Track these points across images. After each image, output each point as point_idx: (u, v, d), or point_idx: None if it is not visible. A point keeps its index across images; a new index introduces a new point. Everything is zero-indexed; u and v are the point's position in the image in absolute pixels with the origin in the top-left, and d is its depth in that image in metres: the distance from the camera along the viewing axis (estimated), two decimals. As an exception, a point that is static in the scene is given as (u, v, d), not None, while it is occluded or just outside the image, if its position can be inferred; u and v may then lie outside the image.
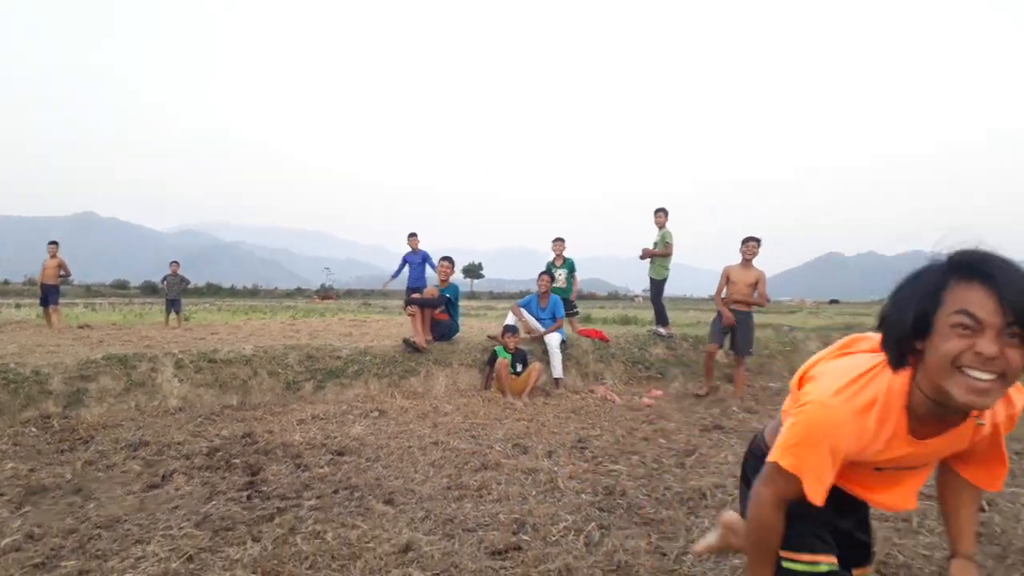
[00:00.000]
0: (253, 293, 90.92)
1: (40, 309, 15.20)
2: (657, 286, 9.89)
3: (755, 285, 8.03)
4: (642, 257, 9.88)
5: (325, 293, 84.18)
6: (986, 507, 3.89)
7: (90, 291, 70.65)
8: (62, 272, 14.87)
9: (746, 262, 8.11)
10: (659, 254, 9.68)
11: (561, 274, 10.24)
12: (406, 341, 8.37)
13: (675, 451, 5.35)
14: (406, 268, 11.77)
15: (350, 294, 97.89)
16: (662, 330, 9.95)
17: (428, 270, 11.47)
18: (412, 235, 12.04)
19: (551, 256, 10.52)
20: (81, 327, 15.29)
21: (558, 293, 9.83)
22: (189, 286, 18.04)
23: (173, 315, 16.91)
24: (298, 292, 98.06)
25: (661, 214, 9.92)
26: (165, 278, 17.65)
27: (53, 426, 5.81)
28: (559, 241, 10.57)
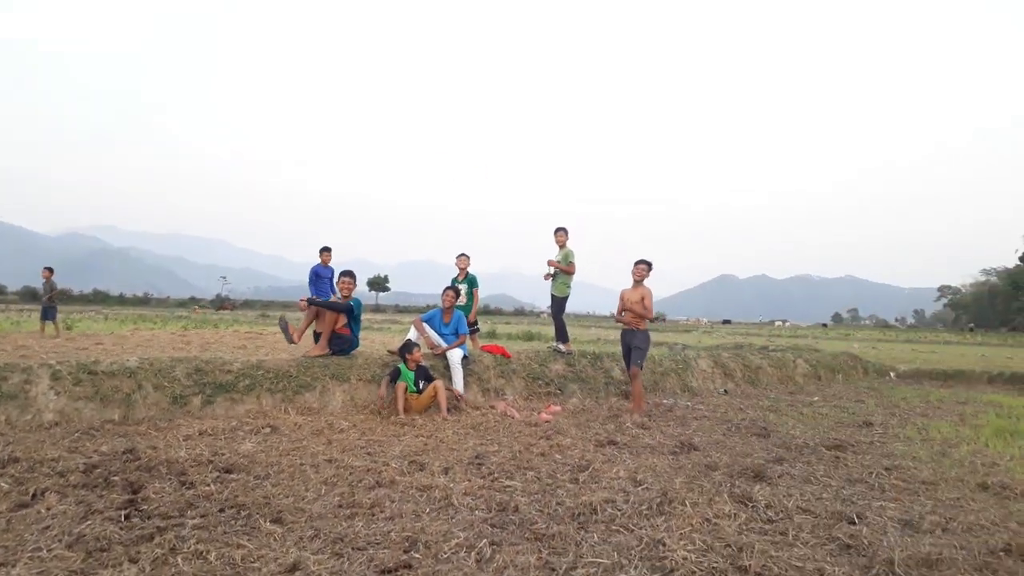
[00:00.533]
0: (144, 302, 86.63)
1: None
2: (559, 303, 10.06)
3: (641, 302, 8.45)
4: (547, 277, 10.05)
5: (221, 303, 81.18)
6: (856, 520, 4.15)
7: (-42, 297, 65.58)
8: None
9: (636, 283, 8.57)
10: (564, 270, 9.86)
11: (462, 289, 10.27)
12: (282, 320, 8.78)
13: (570, 466, 5.44)
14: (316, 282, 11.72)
15: (247, 305, 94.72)
16: (562, 347, 10.13)
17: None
18: (325, 249, 12.00)
19: (456, 270, 10.56)
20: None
21: (460, 309, 9.90)
22: (62, 293, 16.96)
23: (49, 324, 15.93)
24: (192, 301, 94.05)
25: (562, 233, 10.12)
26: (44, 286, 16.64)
27: (-94, 442, 5.35)
28: (463, 256, 10.60)
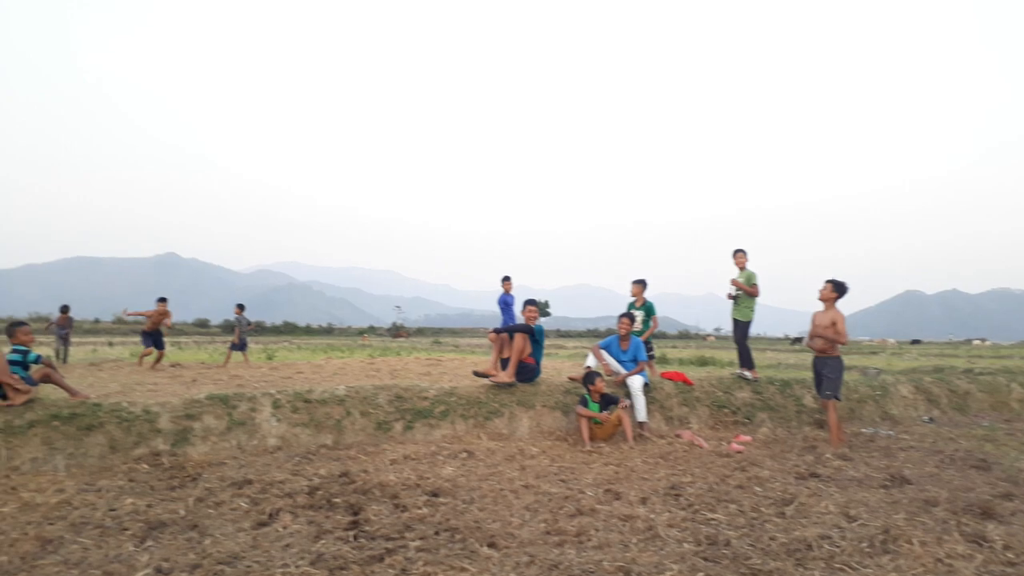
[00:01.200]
0: (327, 331, 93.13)
1: (142, 348, 16.06)
2: (742, 328, 9.73)
3: (833, 326, 7.78)
4: (729, 297, 9.80)
5: (397, 331, 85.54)
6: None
7: (174, 329, 73.74)
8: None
9: (826, 305, 7.90)
10: (748, 292, 9.56)
11: (639, 316, 10.20)
12: (476, 374, 8.67)
13: (772, 499, 5.24)
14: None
15: (420, 332, 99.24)
16: (748, 373, 9.76)
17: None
18: (506, 279, 12.53)
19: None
20: (173, 365, 16.02)
21: (637, 335, 9.86)
22: (258, 325, 18.49)
23: (238, 354, 17.41)
24: (370, 330, 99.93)
25: (741, 254, 9.82)
26: (238, 319, 18.12)
27: (163, 463, 6.10)
28: (639, 283, 10.52)
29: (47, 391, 7.28)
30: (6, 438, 6.07)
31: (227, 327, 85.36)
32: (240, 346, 17.44)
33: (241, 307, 18.40)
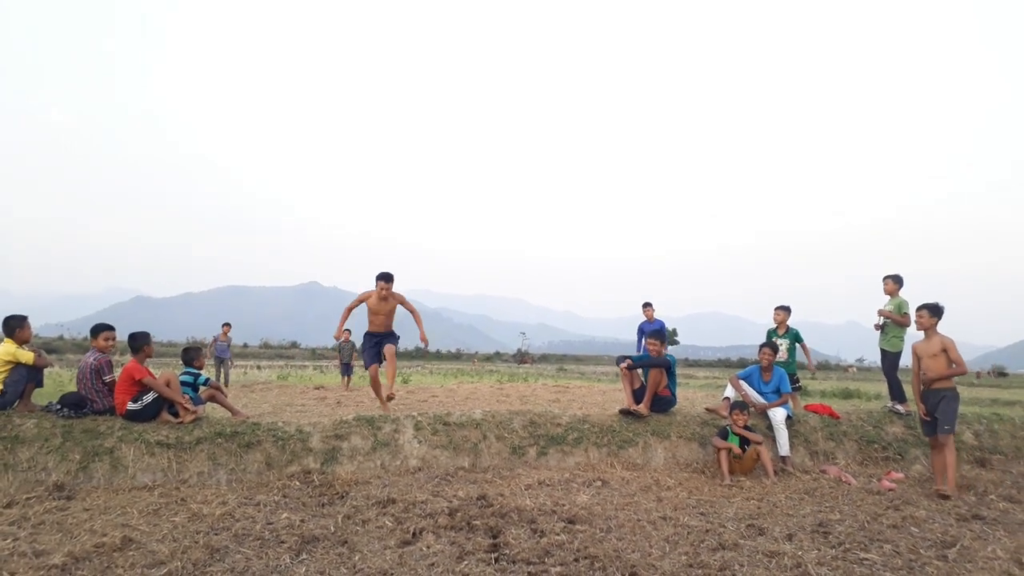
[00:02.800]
0: (456, 357, 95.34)
1: (286, 372, 16.86)
2: (891, 359, 9.16)
3: (943, 354, 6.99)
4: (876, 327, 9.28)
5: (522, 357, 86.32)
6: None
7: (315, 354, 78.02)
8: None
9: (927, 333, 7.17)
10: (897, 321, 9.00)
11: (783, 344, 9.81)
12: (621, 412, 8.44)
13: (931, 541, 4.91)
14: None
15: (544, 358, 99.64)
16: (900, 407, 9.14)
17: None
18: (647, 305, 12.31)
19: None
20: (317, 388, 16.92)
21: (780, 366, 9.50)
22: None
23: (345, 378, 18.01)
24: (496, 356, 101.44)
25: (891, 281, 9.29)
26: (339, 345, 18.55)
27: (314, 480, 6.46)
28: (782, 310, 10.11)
29: (210, 410, 7.90)
30: (177, 453, 6.62)
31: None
32: (347, 369, 18.21)
33: (348, 332, 18.97)
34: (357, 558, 4.32)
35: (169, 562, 4.17)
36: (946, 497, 6.50)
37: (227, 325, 18.47)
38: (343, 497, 5.92)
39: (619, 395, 14.08)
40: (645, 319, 12.17)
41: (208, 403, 7.92)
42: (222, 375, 17.94)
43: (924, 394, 7.18)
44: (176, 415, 7.15)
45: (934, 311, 7.12)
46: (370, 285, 9.29)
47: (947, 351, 6.96)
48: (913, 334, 8.60)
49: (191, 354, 8.12)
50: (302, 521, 5.14)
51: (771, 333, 10.02)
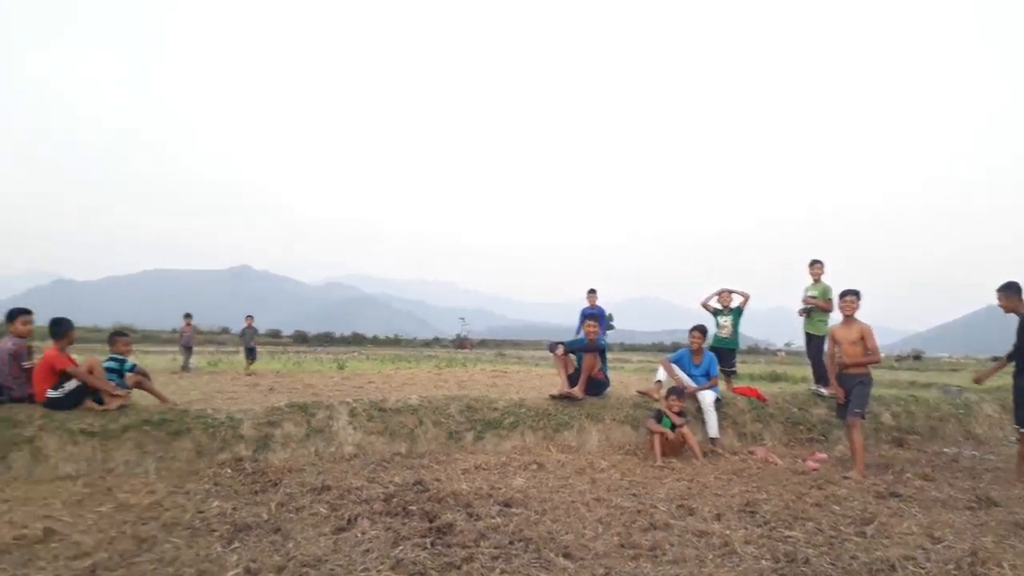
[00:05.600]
0: (395, 342, 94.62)
1: (216, 358, 17.10)
2: (816, 343, 9.49)
3: (860, 341, 7.26)
4: (801, 313, 9.60)
5: (461, 343, 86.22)
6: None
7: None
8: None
9: (847, 319, 7.42)
10: (821, 307, 9.34)
11: (727, 320, 10.06)
12: (553, 397, 8.53)
13: (851, 519, 5.11)
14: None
15: (484, 344, 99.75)
16: (823, 390, 9.48)
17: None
18: (591, 292, 12.42)
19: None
20: (249, 374, 16.60)
21: (726, 344, 9.74)
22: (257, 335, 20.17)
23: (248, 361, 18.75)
24: (436, 342, 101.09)
25: (818, 266, 9.60)
26: (243, 330, 19.93)
27: (246, 468, 6.34)
28: (727, 292, 10.35)
29: (138, 397, 7.67)
30: (102, 441, 6.41)
31: (298, 337, 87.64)
32: (251, 353, 19.09)
33: (251, 317, 20.02)
34: (291, 545, 4.26)
35: (94, 553, 4.05)
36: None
37: (188, 316, 19.44)
38: (276, 485, 5.82)
39: (556, 379, 14.22)
40: (588, 304, 12.31)
41: (135, 390, 7.66)
42: (184, 362, 18.67)
43: (840, 377, 7.41)
44: (100, 402, 6.91)
45: (859, 297, 7.37)
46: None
47: (864, 339, 7.20)
48: (836, 318, 8.97)
49: (116, 339, 7.83)
50: (234, 509, 5.05)
51: (717, 312, 10.23)
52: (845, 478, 6.69)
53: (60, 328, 7.04)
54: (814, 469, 7.12)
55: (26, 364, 6.84)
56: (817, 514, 5.23)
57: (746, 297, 10.23)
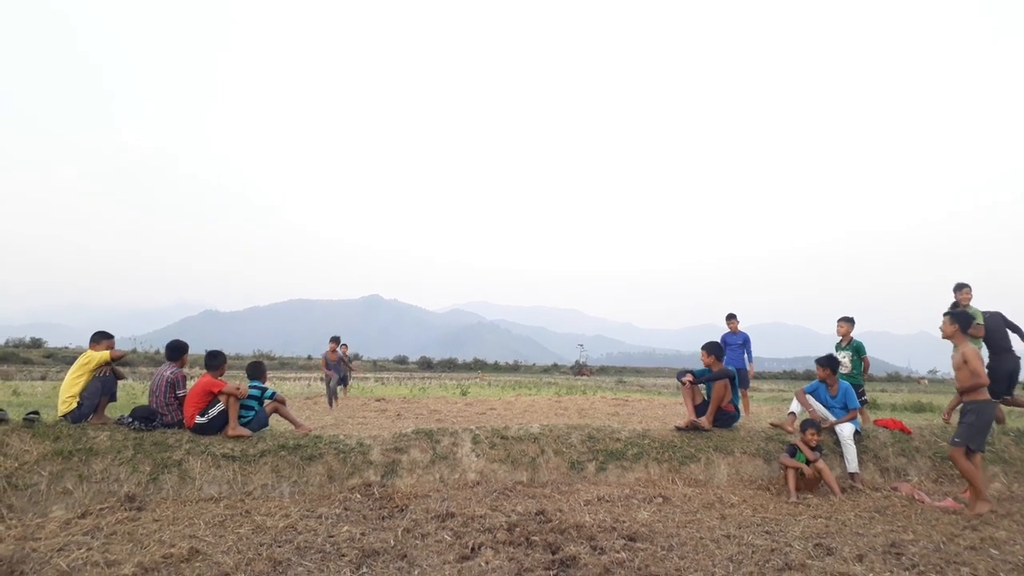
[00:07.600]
0: (514, 368, 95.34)
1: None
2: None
3: (965, 367, 6.56)
4: (945, 336, 8.92)
5: (580, 369, 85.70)
6: None
7: (376, 366, 79.18)
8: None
9: (954, 344, 6.84)
10: (974, 334, 8.62)
11: (846, 356, 9.50)
12: (679, 428, 8.28)
13: (1013, 564, 4.65)
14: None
15: (603, 370, 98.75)
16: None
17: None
18: (731, 317, 12.02)
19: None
20: (378, 400, 17.13)
21: (844, 378, 9.19)
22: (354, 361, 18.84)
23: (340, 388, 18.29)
24: (554, 368, 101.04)
25: (966, 291, 8.91)
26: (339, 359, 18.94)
27: (374, 493, 6.53)
28: (845, 321, 9.78)
29: (274, 423, 8.07)
30: (242, 465, 6.79)
31: (423, 363, 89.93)
32: (341, 381, 18.50)
33: (342, 344, 18.97)
34: (416, 573, 4.33)
35: (234, 573, 4.27)
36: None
37: (336, 339, 18.91)
38: (403, 510, 5.95)
39: (680, 409, 13.85)
40: (729, 330, 11.89)
41: (272, 416, 8.09)
42: (340, 387, 18.46)
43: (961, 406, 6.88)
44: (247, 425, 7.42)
45: (955, 318, 6.82)
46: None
47: (968, 362, 6.59)
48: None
49: (257, 369, 8.34)
50: (362, 534, 5.19)
51: (836, 345, 9.71)
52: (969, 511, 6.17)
53: (216, 360, 7.77)
54: (953, 509, 6.48)
55: (180, 392, 7.47)
56: (972, 558, 4.79)
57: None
